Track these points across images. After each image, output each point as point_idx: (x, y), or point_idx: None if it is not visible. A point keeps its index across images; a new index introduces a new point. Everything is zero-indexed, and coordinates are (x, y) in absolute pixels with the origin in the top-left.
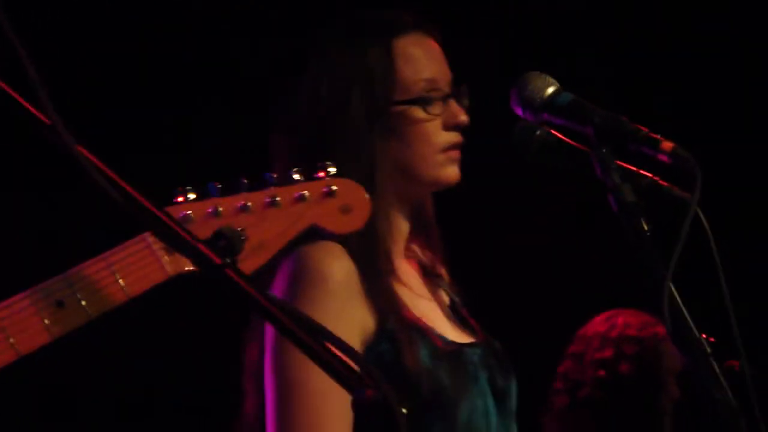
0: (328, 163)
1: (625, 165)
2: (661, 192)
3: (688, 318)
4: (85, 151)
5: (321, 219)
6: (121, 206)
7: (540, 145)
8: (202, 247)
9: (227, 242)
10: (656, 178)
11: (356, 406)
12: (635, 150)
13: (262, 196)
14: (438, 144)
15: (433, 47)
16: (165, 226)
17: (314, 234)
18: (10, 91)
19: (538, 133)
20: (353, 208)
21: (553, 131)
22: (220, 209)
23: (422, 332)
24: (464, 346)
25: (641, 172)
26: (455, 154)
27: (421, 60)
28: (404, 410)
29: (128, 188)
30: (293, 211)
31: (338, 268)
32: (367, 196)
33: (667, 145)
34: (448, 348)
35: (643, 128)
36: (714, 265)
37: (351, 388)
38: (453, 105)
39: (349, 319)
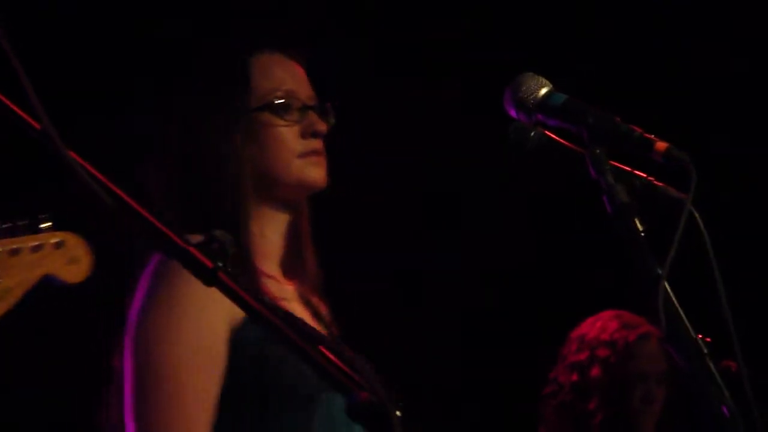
0: (45, 216)
1: (619, 165)
2: (656, 192)
3: (684, 318)
4: (75, 156)
5: (53, 269)
6: (111, 210)
7: (534, 147)
8: (193, 250)
9: (220, 246)
10: (651, 178)
11: (351, 409)
12: (629, 151)
13: (5, 245)
14: (295, 150)
15: (295, 68)
16: (156, 229)
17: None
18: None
19: (532, 134)
20: (79, 259)
21: (547, 132)
22: None
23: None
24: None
25: (635, 172)
26: (315, 158)
27: (279, 75)
28: (399, 413)
29: (119, 192)
30: (30, 260)
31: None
32: (88, 248)
33: (661, 145)
34: None
35: (637, 129)
36: (710, 266)
37: (346, 392)
38: (312, 114)
39: (215, 304)
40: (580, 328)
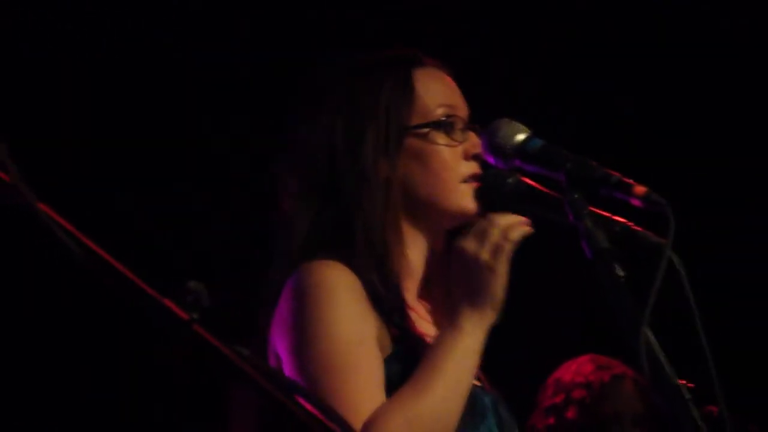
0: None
1: (597, 211)
2: (635, 237)
3: (666, 363)
4: (46, 208)
5: None
6: (82, 264)
7: (511, 193)
8: (168, 302)
9: (194, 297)
10: (630, 223)
11: None
12: (607, 195)
13: None
14: (460, 172)
15: (451, 82)
16: (128, 282)
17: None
18: None
19: (509, 180)
20: None
21: (524, 178)
22: None
23: None
24: (475, 385)
25: (614, 217)
26: (476, 185)
27: (441, 89)
28: None
29: (91, 245)
30: None
31: (341, 275)
32: None
33: (640, 189)
34: None
35: (614, 173)
36: (690, 310)
37: None
38: (472, 135)
39: (364, 319)
40: (556, 372)
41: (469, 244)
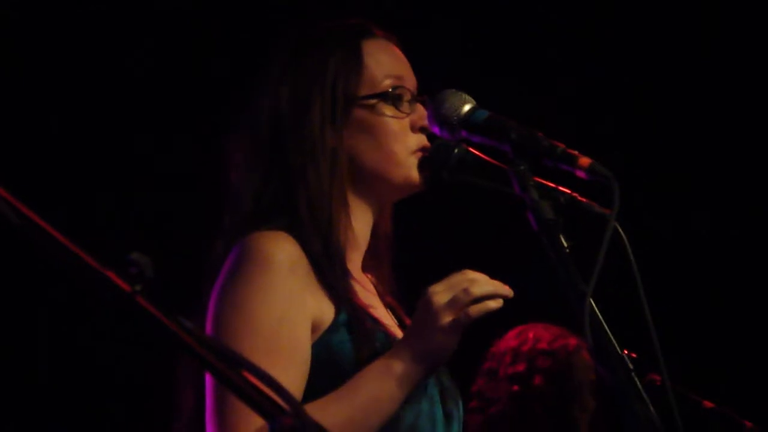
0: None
1: (543, 181)
2: (580, 208)
3: (609, 333)
4: None
5: None
6: (21, 233)
7: (458, 163)
8: (111, 273)
9: (137, 269)
10: (575, 194)
11: None
12: (552, 166)
13: None
14: (408, 144)
15: (400, 53)
16: (70, 253)
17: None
18: None
19: (456, 151)
20: None
21: (470, 149)
22: None
23: (378, 325)
24: None
25: (560, 188)
26: (421, 156)
27: (389, 60)
28: None
29: (31, 215)
30: None
31: (282, 250)
32: None
33: (584, 161)
34: None
35: (560, 144)
36: (634, 280)
37: (269, 417)
38: (420, 108)
39: (296, 300)
40: (504, 341)
41: (438, 299)
